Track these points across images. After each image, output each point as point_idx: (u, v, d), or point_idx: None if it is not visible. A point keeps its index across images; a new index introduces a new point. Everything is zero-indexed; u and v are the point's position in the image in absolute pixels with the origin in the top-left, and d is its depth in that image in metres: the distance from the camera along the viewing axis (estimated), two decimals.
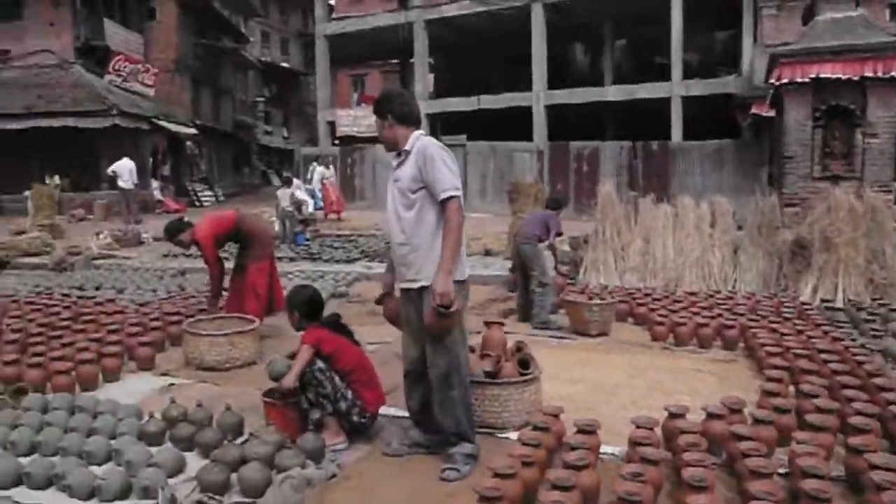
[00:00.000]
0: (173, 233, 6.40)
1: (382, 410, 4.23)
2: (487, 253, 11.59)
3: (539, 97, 23.16)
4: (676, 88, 21.28)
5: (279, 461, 3.46)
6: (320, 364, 3.91)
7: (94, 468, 3.55)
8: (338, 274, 10.01)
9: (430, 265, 3.61)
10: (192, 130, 27.74)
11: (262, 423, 4.12)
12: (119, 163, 19.09)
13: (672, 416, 3.85)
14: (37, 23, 24.65)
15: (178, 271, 10.49)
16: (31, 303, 7.65)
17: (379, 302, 4.09)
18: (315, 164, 20.64)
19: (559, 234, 7.63)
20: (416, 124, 3.82)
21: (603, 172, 20.42)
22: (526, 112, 23.25)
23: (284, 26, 46.73)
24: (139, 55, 27.31)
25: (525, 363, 4.40)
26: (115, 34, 25.85)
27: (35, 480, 3.44)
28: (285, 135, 45.97)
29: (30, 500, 3.37)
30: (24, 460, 3.62)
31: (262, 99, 41.35)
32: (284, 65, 45.04)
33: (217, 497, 3.25)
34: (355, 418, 3.97)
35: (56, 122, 21.85)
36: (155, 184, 24.49)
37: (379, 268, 10.68)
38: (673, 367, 5.72)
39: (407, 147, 3.72)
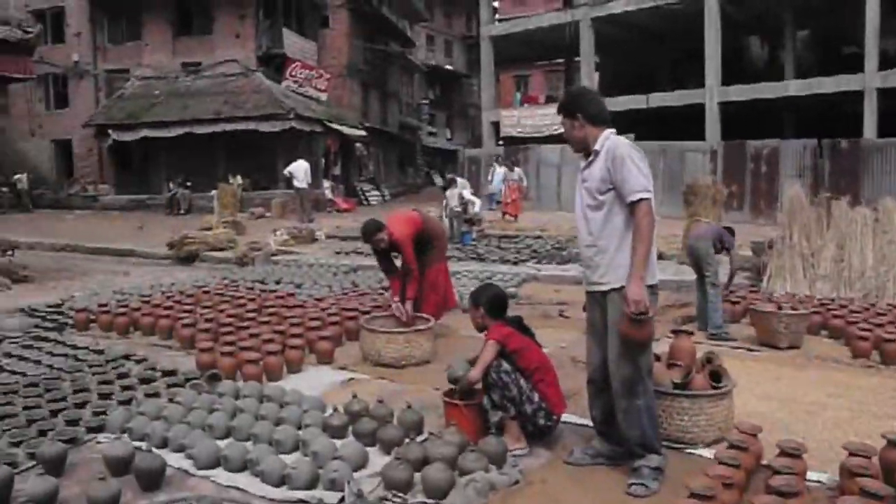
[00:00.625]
0: (371, 232, 6.32)
1: (563, 417, 4.09)
2: (660, 257, 11.10)
3: (712, 94, 21.99)
4: (871, 80, 19.43)
5: (462, 463, 3.41)
6: (506, 366, 3.82)
7: (284, 456, 3.67)
8: (505, 274, 9.94)
9: (615, 269, 3.47)
10: (362, 132, 28.86)
11: (441, 423, 4.10)
12: (295, 164, 20.15)
13: (892, 444, 3.42)
14: (224, 36, 26.72)
15: (350, 268, 10.84)
16: (220, 294, 8.17)
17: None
18: (496, 164, 20.48)
19: (728, 249, 7.10)
20: (606, 123, 3.64)
21: (783, 173, 19.05)
22: (697, 110, 22.18)
23: (448, 29, 47.69)
24: (313, 61, 28.84)
25: (717, 376, 4.09)
26: (292, 42, 27.47)
27: (232, 463, 3.60)
28: (448, 136, 46.89)
29: (227, 481, 3.53)
30: (220, 443, 3.80)
31: (426, 101, 42.35)
32: (448, 67, 45.94)
33: (400, 495, 3.24)
34: (541, 421, 3.85)
35: (240, 126, 23.54)
36: (326, 184, 25.67)
37: (548, 269, 10.54)
38: (881, 387, 5.15)
39: (596, 147, 3.57)
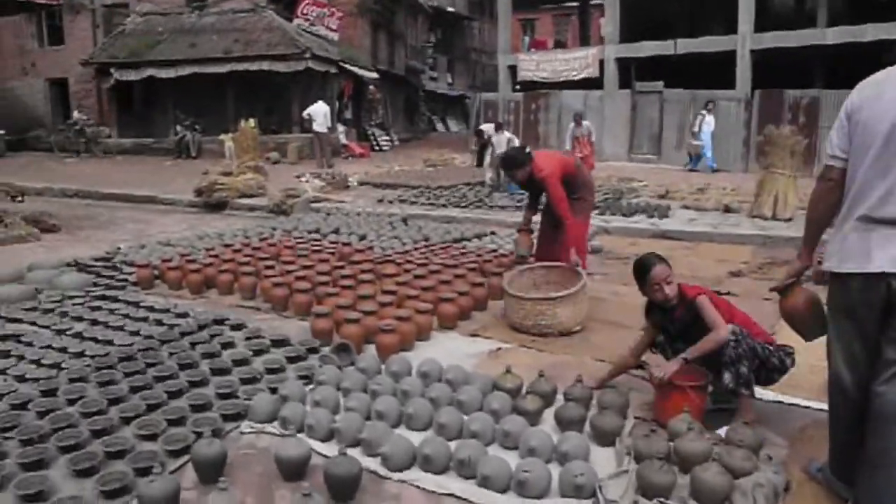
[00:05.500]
0: (517, 163, 5.67)
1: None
2: (727, 210, 10.53)
3: (745, 40, 21.13)
4: None
5: (728, 461, 2.79)
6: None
7: (492, 452, 3.08)
8: None
9: None
10: (374, 74, 27.73)
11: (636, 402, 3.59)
12: (314, 106, 19.22)
13: None
14: None
15: (401, 218, 10.14)
16: (289, 247, 7.45)
17: None
18: (704, 112, 18.89)
19: None
20: None
21: (822, 125, 18.37)
22: (726, 57, 21.29)
23: None
24: None
25: None
26: None
27: (435, 464, 2.97)
28: (449, 80, 45.52)
29: (436, 486, 2.90)
30: (412, 437, 3.19)
31: (430, 44, 40.90)
32: (450, 9, 44.31)
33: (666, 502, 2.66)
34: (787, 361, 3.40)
35: (253, 66, 22.32)
36: (341, 128, 24.63)
37: (615, 221, 9.91)
38: None
39: None
